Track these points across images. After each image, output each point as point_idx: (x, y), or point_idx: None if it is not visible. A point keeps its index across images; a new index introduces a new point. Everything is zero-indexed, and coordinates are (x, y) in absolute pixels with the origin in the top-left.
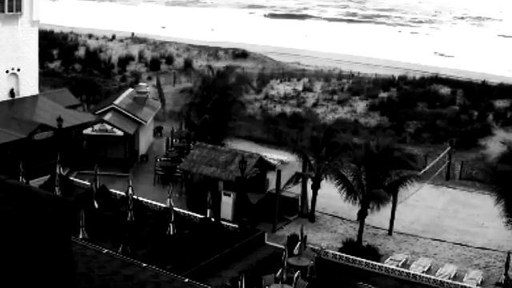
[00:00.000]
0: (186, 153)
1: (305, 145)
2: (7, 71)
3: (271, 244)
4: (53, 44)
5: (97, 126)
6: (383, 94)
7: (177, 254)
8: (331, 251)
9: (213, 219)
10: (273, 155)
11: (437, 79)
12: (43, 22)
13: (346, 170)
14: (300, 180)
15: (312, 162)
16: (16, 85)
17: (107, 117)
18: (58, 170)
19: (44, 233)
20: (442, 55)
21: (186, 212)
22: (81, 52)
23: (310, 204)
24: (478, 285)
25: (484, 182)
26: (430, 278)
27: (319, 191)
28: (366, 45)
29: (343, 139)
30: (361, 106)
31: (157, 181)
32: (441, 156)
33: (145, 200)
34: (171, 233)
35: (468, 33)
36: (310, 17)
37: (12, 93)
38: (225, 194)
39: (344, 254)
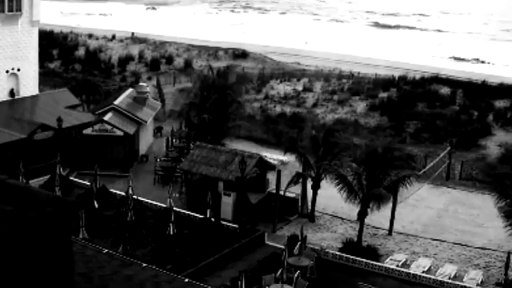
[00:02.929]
0: (186, 153)
1: (305, 145)
2: (7, 71)
3: (271, 244)
4: (53, 44)
5: (97, 126)
6: (383, 94)
7: (177, 254)
8: (331, 251)
9: (213, 219)
10: (273, 155)
11: (437, 79)
12: (43, 21)
13: (345, 170)
14: (300, 180)
15: (312, 162)
16: (16, 85)
17: (107, 117)
18: (57, 170)
19: (44, 233)
20: None
21: (186, 212)
22: (81, 52)
23: (309, 204)
24: (477, 285)
25: (484, 182)
26: (430, 278)
27: (319, 191)
28: None
29: (343, 139)
30: (361, 106)
31: (157, 181)
32: (441, 156)
33: (145, 200)
34: (171, 233)
35: None
36: None
37: (12, 93)
38: (225, 194)
39: (344, 254)
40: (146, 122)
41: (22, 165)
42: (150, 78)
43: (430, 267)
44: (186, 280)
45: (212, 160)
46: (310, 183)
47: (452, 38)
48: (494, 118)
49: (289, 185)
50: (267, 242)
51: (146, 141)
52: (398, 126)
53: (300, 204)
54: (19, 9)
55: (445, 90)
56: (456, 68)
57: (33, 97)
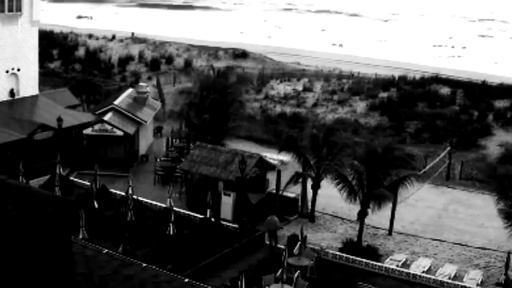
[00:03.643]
0: (186, 153)
1: (305, 145)
2: (7, 71)
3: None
4: (53, 44)
5: (97, 126)
6: (383, 94)
7: (177, 254)
8: (331, 251)
9: (213, 219)
10: (273, 155)
11: (437, 79)
12: (43, 21)
13: (346, 170)
14: (300, 180)
15: (312, 162)
16: (16, 85)
17: (107, 117)
18: (57, 170)
19: (44, 233)
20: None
21: (186, 212)
22: (81, 52)
23: (309, 204)
24: (478, 285)
25: (484, 182)
26: (430, 278)
27: (319, 191)
28: None
29: (343, 138)
30: (361, 106)
31: (157, 181)
32: (441, 156)
33: (145, 200)
34: (171, 233)
35: None
36: None
37: (12, 93)
38: (225, 194)
39: (344, 254)
40: (146, 121)
41: (21, 165)
42: (150, 78)
43: (430, 267)
44: (186, 280)
45: (212, 160)
46: (310, 183)
47: None
48: (494, 117)
49: (287, 185)
50: (267, 242)
51: (146, 141)
52: (398, 126)
53: (300, 204)
54: (19, 9)
55: (445, 90)
56: (456, 68)
57: (33, 97)
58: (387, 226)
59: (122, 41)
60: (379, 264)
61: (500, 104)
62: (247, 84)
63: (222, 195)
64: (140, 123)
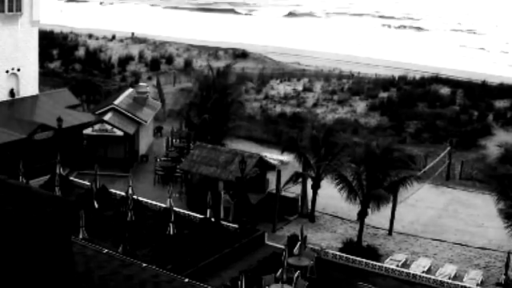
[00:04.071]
0: (186, 153)
1: (305, 145)
2: (7, 71)
3: (271, 244)
4: (53, 44)
5: (97, 126)
6: (383, 94)
7: (177, 254)
8: (331, 251)
9: (213, 219)
10: (273, 155)
11: (437, 79)
12: (43, 21)
13: (346, 170)
14: (300, 180)
15: (312, 162)
16: (16, 85)
17: (107, 117)
18: (57, 170)
19: (44, 233)
20: None
21: (186, 212)
22: (81, 52)
23: (309, 204)
24: (477, 285)
25: (484, 182)
26: (429, 278)
27: (319, 191)
28: None
29: (343, 139)
30: (361, 105)
31: (157, 181)
32: (441, 156)
33: (145, 200)
34: (171, 233)
35: None
36: None
37: (12, 93)
38: (225, 194)
39: (344, 254)
40: (146, 121)
41: (22, 165)
42: (150, 78)
43: (430, 267)
44: (186, 280)
45: (212, 160)
46: (310, 183)
47: None
48: (494, 117)
49: (286, 184)
50: (267, 242)
51: (146, 141)
52: (398, 126)
53: (300, 204)
54: (19, 9)
55: (445, 90)
56: (456, 68)
57: (33, 97)
58: (387, 226)
59: (122, 41)
60: (379, 264)
61: (500, 104)
62: (247, 84)
63: (222, 195)
64: (140, 123)
